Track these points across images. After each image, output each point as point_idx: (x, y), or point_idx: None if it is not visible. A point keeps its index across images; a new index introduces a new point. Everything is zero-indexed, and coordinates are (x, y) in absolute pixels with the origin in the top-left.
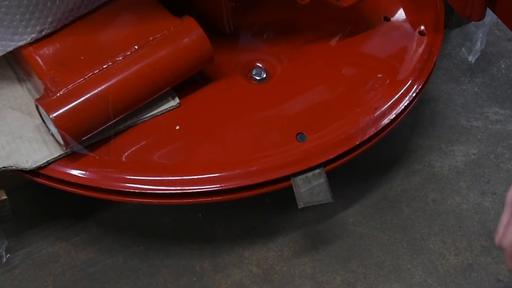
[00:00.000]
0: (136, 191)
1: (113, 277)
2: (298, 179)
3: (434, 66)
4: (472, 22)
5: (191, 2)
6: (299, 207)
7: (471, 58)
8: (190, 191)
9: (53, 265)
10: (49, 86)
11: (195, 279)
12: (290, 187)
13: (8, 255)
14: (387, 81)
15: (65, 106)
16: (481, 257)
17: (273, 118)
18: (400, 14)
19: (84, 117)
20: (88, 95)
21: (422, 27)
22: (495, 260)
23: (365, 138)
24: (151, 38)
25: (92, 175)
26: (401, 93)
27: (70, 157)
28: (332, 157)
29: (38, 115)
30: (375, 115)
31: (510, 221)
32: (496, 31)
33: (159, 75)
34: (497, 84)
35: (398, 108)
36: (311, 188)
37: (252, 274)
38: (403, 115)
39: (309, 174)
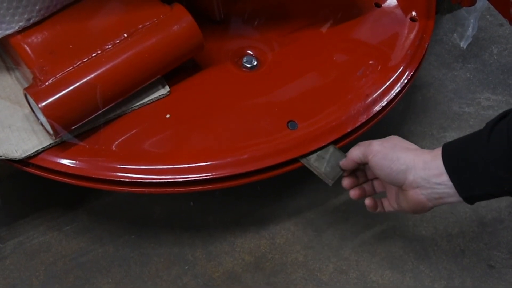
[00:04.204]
0: (127, 180)
1: (104, 266)
2: (312, 161)
3: (425, 52)
4: (464, 7)
5: None
6: (330, 185)
7: (463, 44)
8: (181, 179)
9: (44, 254)
10: (38, 75)
11: (187, 267)
12: (282, 174)
13: None
14: (379, 68)
15: (54, 95)
16: (473, 243)
17: (264, 106)
18: (392, 0)
19: (74, 106)
20: (77, 84)
21: (414, 13)
22: (487, 246)
23: (357, 125)
24: (140, 26)
25: (82, 164)
26: (393, 80)
27: (60, 147)
28: (323, 144)
29: (27, 104)
30: (367, 101)
31: (358, 147)
32: (488, 16)
33: (148, 63)
34: (489, 69)
35: (390, 94)
36: (328, 163)
37: (244, 262)
38: (395, 101)
39: (318, 152)
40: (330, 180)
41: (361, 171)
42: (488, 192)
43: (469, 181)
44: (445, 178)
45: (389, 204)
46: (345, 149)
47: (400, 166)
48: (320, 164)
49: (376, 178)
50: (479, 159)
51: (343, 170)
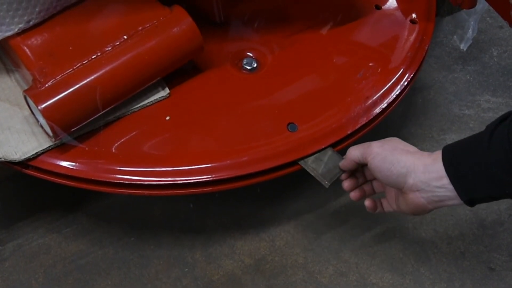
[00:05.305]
0: (127, 182)
1: (104, 269)
2: (310, 162)
3: (425, 54)
4: (464, 9)
5: None
6: (327, 187)
7: (463, 46)
8: (181, 182)
9: (44, 256)
10: (38, 77)
11: (186, 270)
12: (282, 177)
13: None
14: (379, 70)
15: (53, 97)
16: (473, 245)
17: (264, 108)
18: (392, 2)
19: (73, 108)
20: (77, 86)
21: (414, 15)
22: (487, 249)
23: (357, 127)
24: (140, 28)
25: (82, 166)
26: (393, 82)
27: (60, 149)
28: (323, 147)
29: (27, 106)
30: (367, 104)
31: (357, 148)
32: (488, 18)
33: (148, 65)
34: (489, 72)
35: (390, 97)
36: (325, 165)
37: (244, 264)
38: (395, 104)
39: (316, 154)
40: (326, 182)
41: (359, 172)
42: (489, 195)
43: (470, 185)
44: (445, 181)
45: (388, 205)
46: (344, 152)
47: (400, 169)
48: (318, 165)
49: (375, 178)
50: (480, 162)
51: (342, 171)
